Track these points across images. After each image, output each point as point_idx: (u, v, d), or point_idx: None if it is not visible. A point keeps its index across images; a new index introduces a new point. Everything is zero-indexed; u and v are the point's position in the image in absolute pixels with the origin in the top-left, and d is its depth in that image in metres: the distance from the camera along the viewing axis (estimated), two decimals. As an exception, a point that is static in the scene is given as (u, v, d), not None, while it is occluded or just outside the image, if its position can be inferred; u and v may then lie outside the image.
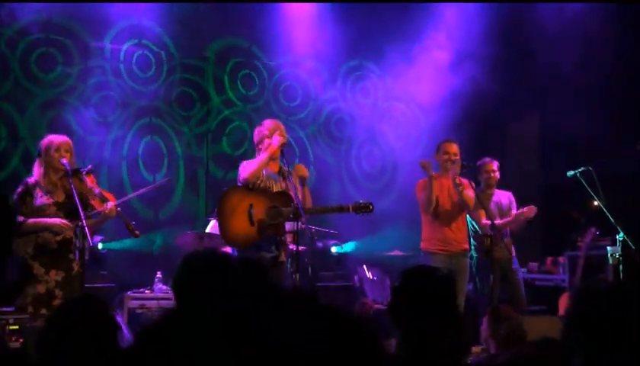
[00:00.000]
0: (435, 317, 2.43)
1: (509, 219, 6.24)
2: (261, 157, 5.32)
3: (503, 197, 6.45)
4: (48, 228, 4.85)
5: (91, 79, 7.07)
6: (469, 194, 5.96)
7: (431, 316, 2.42)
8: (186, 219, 7.35)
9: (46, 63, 6.88)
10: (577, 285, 6.32)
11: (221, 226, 5.27)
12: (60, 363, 2.15)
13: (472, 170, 6.03)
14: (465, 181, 6.05)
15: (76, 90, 7.02)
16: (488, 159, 6.46)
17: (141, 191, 5.61)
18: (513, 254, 6.35)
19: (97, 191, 4.96)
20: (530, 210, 6.11)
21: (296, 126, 8.17)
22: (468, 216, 6.16)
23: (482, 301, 5.90)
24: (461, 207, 6.00)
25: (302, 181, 5.32)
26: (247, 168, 5.31)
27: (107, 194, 5.03)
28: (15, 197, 4.91)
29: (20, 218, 4.84)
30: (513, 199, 6.49)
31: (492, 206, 6.35)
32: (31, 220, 4.84)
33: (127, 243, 6.75)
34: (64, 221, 4.85)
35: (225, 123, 7.85)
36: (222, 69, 7.87)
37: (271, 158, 5.39)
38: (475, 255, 6.22)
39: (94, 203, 4.97)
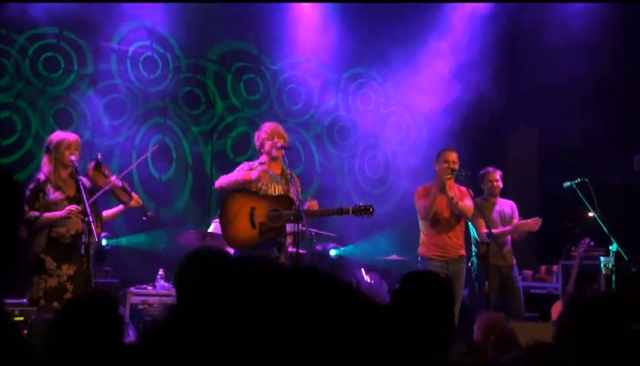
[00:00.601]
0: (431, 322, 2.43)
1: (507, 228, 6.27)
2: (238, 176, 5.32)
3: (505, 206, 6.51)
4: (62, 220, 4.86)
5: (99, 81, 7.08)
6: (467, 203, 5.96)
7: (428, 321, 2.42)
8: (189, 218, 7.34)
9: (53, 64, 6.92)
10: (570, 293, 6.30)
11: (223, 229, 5.28)
12: (67, 355, 2.17)
13: (470, 178, 6.03)
14: (463, 189, 6.06)
15: (84, 90, 7.02)
16: (491, 169, 6.50)
17: (136, 162, 5.79)
18: (514, 262, 6.37)
19: (119, 183, 5.02)
20: (535, 223, 6.15)
21: (300, 128, 8.17)
22: (469, 223, 6.17)
23: (480, 305, 5.90)
24: (458, 215, 6.00)
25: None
26: (222, 179, 5.39)
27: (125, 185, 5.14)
28: (27, 192, 4.93)
29: (36, 213, 4.86)
30: (515, 208, 6.55)
31: (495, 214, 6.39)
32: (46, 214, 4.86)
33: (131, 240, 6.75)
34: (72, 206, 4.85)
35: (229, 129, 7.85)
36: (226, 72, 7.87)
37: (272, 160, 5.41)
38: (475, 261, 6.23)
39: (119, 193, 5.03)
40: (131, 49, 7.24)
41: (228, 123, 7.86)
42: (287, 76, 8.19)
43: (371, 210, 5.28)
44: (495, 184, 6.41)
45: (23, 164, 6.56)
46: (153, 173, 7.28)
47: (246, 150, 7.43)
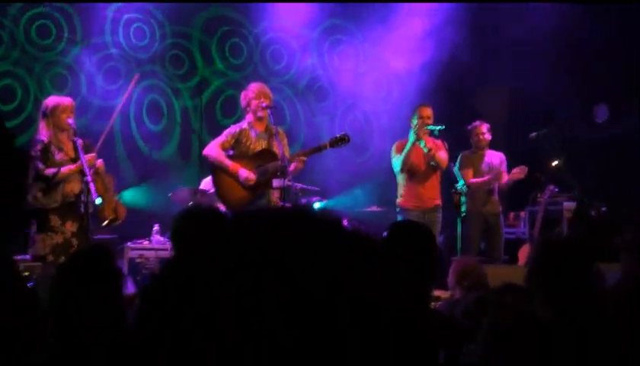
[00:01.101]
0: (416, 267, 2.53)
1: (484, 179, 6.51)
2: (224, 160, 5.44)
3: (494, 157, 6.71)
4: (76, 172, 5.03)
5: (96, 51, 7.35)
6: (441, 155, 6.20)
7: (414, 270, 2.51)
8: (175, 168, 7.72)
9: (45, 32, 7.12)
10: (536, 237, 6.61)
11: (217, 193, 5.45)
12: (70, 307, 2.21)
13: (443, 132, 6.23)
14: (438, 142, 6.28)
15: (78, 55, 7.23)
16: (478, 122, 6.72)
17: (124, 98, 5.91)
18: (500, 210, 6.65)
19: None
20: (522, 171, 6.38)
21: (284, 86, 8.32)
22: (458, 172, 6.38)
23: (465, 250, 6.16)
24: (434, 167, 6.24)
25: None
26: (211, 150, 5.51)
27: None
28: (37, 153, 5.02)
29: (53, 169, 4.98)
30: (504, 159, 6.73)
31: (484, 166, 6.61)
32: (63, 169, 5.01)
33: (125, 197, 6.90)
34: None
35: (218, 94, 8.10)
36: (209, 40, 8.09)
37: (258, 120, 5.55)
38: (464, 209, 6.51)
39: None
40: (123, 17, 7.48)
41: (216, 87, 8.10)
42: (269, 37, 8.33)
43: (347, 138, 5.39)
44: (482, 137, 6.60)
45: (24, 127, 6.70)
46: (148, 125, 7.65)
47: (234, 112, 7.59)
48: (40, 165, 4.98)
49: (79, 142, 5.09)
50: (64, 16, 7.20)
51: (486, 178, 6.51)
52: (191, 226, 2.97)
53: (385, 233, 2.71)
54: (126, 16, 7.51)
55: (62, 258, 4.83)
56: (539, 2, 8.10)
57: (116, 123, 6.77)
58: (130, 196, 7.03)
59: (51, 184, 4.98)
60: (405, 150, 6.11)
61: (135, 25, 7.57)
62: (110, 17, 7.44)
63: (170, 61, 7.83)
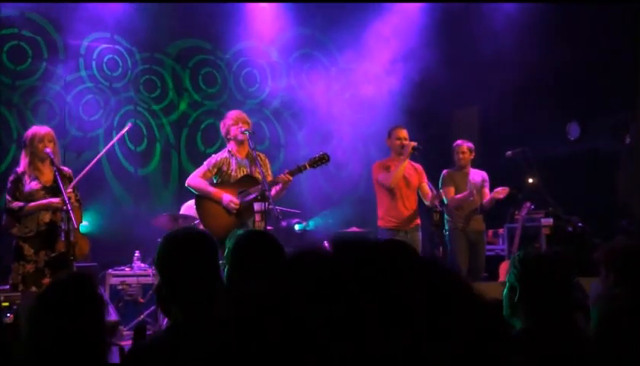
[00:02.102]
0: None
1: (461, 196, 6.52)
2: (206, 187, 5.44)
3: (476, 175, 6.77)
4: (45, 208, 4.94)
5: (73, 86, 7.42)
6: (425, 187, 6.30)
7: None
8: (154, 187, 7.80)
9: (20, 57, 7.12)
10: (514, 254, 6.61)
11: (204, 222, 5.42)
12: (49, 338, 2.12)
13: (422, 153, 6.27)
14: (418, 166, 6.36)
15: (55, 88, 7.28)
16: (460, 141, 6.80)
17: (111, 143, 5.93)
18: (483, 228, 6.68)
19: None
20: (503, 191, 6.41)
21: (261, 106, 8.42)
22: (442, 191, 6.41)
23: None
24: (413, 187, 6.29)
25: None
26: (194, 180, 5.49)
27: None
28: (8, 184, 5.07)
29: (21, 203, 4.93)
30: (486, 177, 6.81)
31: (467, 184, 6.64)
32: (31, 204, 4.98)
33: (104, 225, 6.82)
34: (55, 199, 4.94)
35: (197, 123, 8.18)
36: (182, 70, 8.18)
37: (239, 145, 5.53)
38: (447, 227, 6.56)
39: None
40: (96, 51, 7.57)
41: (195, 118, 8.18)
42: (241, 62, 8.37)
43: (326, 157, 5.38)
44: (462, 155, 6.68)
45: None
46: (130, 146, 7.73)
47: (215, 141, 7.59)
48: (8, 197, 5.00)
49: (65, 170, 5.08)
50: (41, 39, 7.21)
51: (462, 195, 6.53)
52: (174, 251, 2.89)
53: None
54: (97, 49, 7.56)
55: (33, 288, 4.78)
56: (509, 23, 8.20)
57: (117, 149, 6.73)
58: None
59: (17, 216, 4.94)
60: (400, 168, 6.10)
61: (107, 57, 7.63)
62: (83, 50, 7.48)
63: (144, 85, 7.87)
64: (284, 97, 8.55)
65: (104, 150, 5.86)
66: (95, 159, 5.46)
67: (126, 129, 5.98)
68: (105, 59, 7.63)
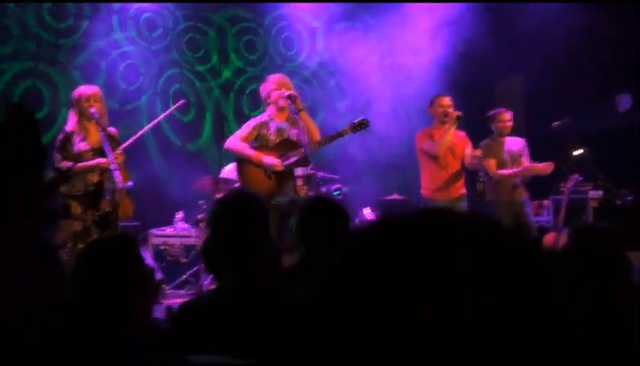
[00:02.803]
0: None
1: (512, 171, 6.30)
2: (246, 151, 5.38)
3: (514, 144, 6.49)
4: (92, 169, 4.97)
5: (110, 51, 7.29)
6: (468, 151, 6.16)
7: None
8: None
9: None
10: (560, 226, 6.45)
11: (246, 186, 5.40)
12: (91, 295, 2.10)
13: (463, 121, 6.11)
14: (462, 133, 6.22)
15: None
16: (502, 109, 6.54)
17: (159, 117, 5.76)
18: (524, 198, 6.42)
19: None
20: (547, 167, 6.20)
21: (300, 69, 8.33)
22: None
23: None
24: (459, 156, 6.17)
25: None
26: (233, 143, 5.45)
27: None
28: (57, 143, 5.08)
29: (69, 163, 4.97)
30: (524, 145, 6.53)
31: (505, 155, 6.41)
32: (79, 164, 4.99)
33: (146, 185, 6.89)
34: (103, 160, 4.97)
35: (242, 90, 8.10)
36: (225, 40, 8.08)
37: (279, 110, 5.48)
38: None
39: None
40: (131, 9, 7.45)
41: (239, 85, 8.09)
42: (280, 27, 8.32)
43: (366, 123, 5.33)
44: (507, 124, 6.40)
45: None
46: (178, 116, 7.55)
47: (259, 105, 7.56)
48: (57, 156, 5.00)
49: (111, 131, 5.07)
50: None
51: (513, 170, 6.30)
52: (227, 211, 2.83)
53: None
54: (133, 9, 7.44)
55: (80, 245, 4.84)
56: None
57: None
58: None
59: (65, 176, 4.98)
60: (447, 136, 5.97)
61: (145, 15, 7.50)
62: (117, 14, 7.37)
63: (187, 45, 7.77)
64: (322, 62, 8.45)
65: (153, 123, 5.64)
66: (143, 131, 5.41)
67: (178, 104, 5.92)
68: (142, 18, 7.49)
